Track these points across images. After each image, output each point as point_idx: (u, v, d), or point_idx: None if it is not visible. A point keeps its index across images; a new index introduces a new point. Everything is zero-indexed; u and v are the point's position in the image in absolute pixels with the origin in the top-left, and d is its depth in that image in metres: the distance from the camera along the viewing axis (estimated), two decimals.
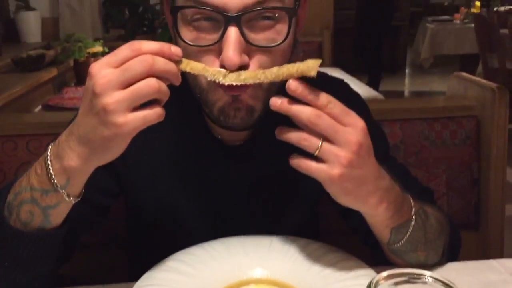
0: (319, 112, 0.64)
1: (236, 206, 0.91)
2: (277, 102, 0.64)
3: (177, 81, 0.64)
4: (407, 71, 7.86)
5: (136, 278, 0.76)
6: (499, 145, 1.29)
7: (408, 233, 0.76)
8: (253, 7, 0.68)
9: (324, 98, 0.64)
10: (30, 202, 0.69)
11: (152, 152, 0.88)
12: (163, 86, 0.62)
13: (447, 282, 0.58)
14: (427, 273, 0.60)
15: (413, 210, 0.76)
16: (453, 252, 0.88)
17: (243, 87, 0.71)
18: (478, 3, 5.78)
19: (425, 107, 1.35)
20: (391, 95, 5.94)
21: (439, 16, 6.55)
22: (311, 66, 0.63)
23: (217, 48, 0.70)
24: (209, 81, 0.71)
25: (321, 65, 0.65)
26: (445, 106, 1.36)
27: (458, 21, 5.75)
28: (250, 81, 0.67)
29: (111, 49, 2.49)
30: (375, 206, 0.71)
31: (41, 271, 0.75)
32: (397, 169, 0.94)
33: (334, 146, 0.64)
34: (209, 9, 0.68)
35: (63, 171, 0.66)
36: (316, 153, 0.65)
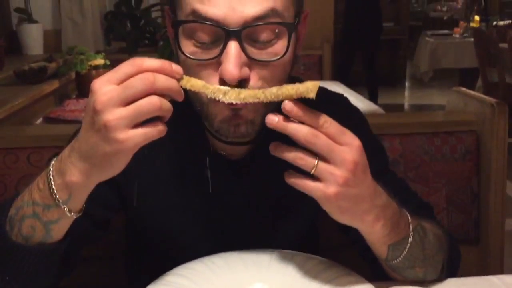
0: (315, 131, 0.64)
1: (236, 221, 0.91)
2: (274, 120, 0.65)
3: (180, 98, 0.64)
4: (406, 84, 7.88)
5: None
6: (499, 160, 1.29)
7: (406, 250, 0.76)
8: (253, 23, 0.69)
9: (320, 118, 0.65)
10: (32, 217, 0.69)
11: (152, 166, 0.88)
12: (165, 104, 0.62)
13: None
14: None
15: (411, 226, 0.77)
16: (452, 267, 0.88)
17: (240, 105, 0.71)
18: (477, 18, 5.81)
19: (425, 121, 1.36)
20: (391, 108, 5.96)
21: (439, 30, 6.58)
22: (310, 88, 0.64)
23: (216, 62, 0.71)
24: (207, 98, 0.72)
25: (321, 78, 0.66)
26: (444, 121, 1.36)
27: (457, 35, 5.78)
28: (250, 100, 0.67)
29: (113, 61, 2.51)
30: (372, 224, 0.71)
31: (42, 284, 0.75)
32: (397, 184, 0.94)
33: (330, 165, 0.65)
34: (210, 24, 0.69)
35: (65, 187, 0.66)
36: (312, 172, 0.66)
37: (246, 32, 0.69)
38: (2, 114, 1.62)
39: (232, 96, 0.68)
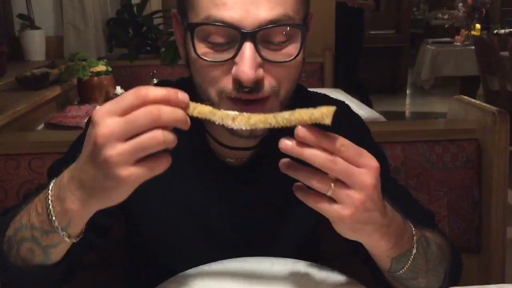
0: (333, 157, 0.61)
1: (237, 227, 0.91)
2: (288, 145, 0.61)
3: (186, 127, 0.60)
4: (408, 91, 7.89)
5: None
6: (500, 168, 1.29)
7: (409, 261, 0.75)
8: (267, 26, 0.70)
9: (336, 142, 0.61)
10: (31, 241, 0.69)
11: None
12: (169, 137, 0.58)
13: None
14: None
15: (415, 238, 0.76)
16: (454, 276, 0.88)
17: (257, 106, 0.73)
18: (478, 26, 5.82)
19: (426, 129, 1.36)
20: (392, 116, 5.96)
21: (440, 38, 6.60)
22: (325, 114, 0.60)
23: (230, 66, 0.72)
24: (219, 97, 0.73)
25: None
26: (446, 129, 1.37)
27: (458, 43, 5.79)
28: (261, 126, 0.64)
29: (115, 68, 2.51)
30: (378, 240, 0.70)
31: None
32: (398, 191, 0.94)
33: (347, 188, 0.63)
34: (226, 26, 0.70)
35: (64, 214, 0.64)
36: (328, 194, 0.63)
37: (261, 34, 0.70)
38: (4, 120, 1.62)
39: (241, 122, 0.64)
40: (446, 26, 6.50)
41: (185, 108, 0.60)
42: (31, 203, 0.70)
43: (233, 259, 0.85)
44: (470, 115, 1.36)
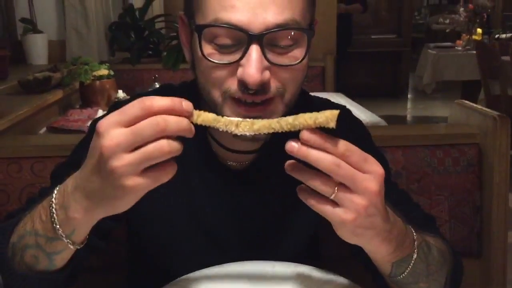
0: (338, 161, 0.61)
1: (239, 230, 0.91)
2: (294, 147, 0.61)
3: (190, 135, 0.61)
4: (409, 96, 7.90)
5: None
6: (501, 173, 1.29)
7: (410, 266, 0.75)
8: (274, 29, 0.71)
9: (342, 146, 0.61)
10: (35, 248, 0.69)
11: None
12: (175, 146, 0.59)
13: None
14: None
15: (415, 243, 0.76)
16: (455, 281, 0.88)
17: (259, 107, 0.73)
18: (479, 30, 5.82)
19: (427, 134, 1.36)
20: (393, 120, 5.96)
21: (441, 42, 6.60)
22: (330, 117, 0.60)
23: (236, 68, 0.72)
24: (223, 97, 0.74)
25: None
26: (447, 133, 1.37)
27: (460, 48, 5.79)
28: (264, 131, 0.64)
29: (117, 72, 2.51)
30: (379, 245, 0.70)
31: None
32: (399, 196, 0.94)
33: (351, 193, 0.63)
34: (233, 28, 0.70)
35: (68, 222, 0.65)
36: (331, 197, 0.63)
37: (268, 38, 0.71)
38: (6, 124, 1.63)
39: (245, 127, 0.64)
40: (447, 30, 6.50)
41: (189, 116, 0.61)
42: (35, 210, 0.71)
43: (235, 262, 0.86)
44: (471, 119, 1.37)
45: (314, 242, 1.05)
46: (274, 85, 0.73)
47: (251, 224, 0.91)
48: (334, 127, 0.60)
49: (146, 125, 0.57)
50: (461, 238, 1.33)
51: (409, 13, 7.84)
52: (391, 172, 1.04)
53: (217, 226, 0.91)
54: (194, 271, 0.84)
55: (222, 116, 0.65)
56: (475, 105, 1.43)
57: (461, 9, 5.96)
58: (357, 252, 0.85)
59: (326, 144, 0.61)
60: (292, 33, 0.73)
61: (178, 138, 0.60)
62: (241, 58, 0.71)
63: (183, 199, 0.90)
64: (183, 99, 0.60)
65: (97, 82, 2.33)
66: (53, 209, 0.66)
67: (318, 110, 0.63)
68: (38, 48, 2.89)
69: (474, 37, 5.74)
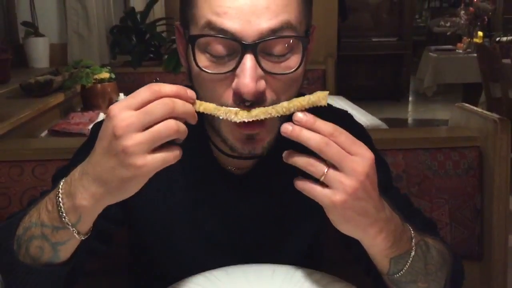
0: (327, 139, 0.65)
1: (239, 235, 0.91)
2: (288, 129, 0.66)
3: (194, 121, 0.66)
4: (410, 98, 7.90)
5: None
6: (502, 176, 1.30)
7: (408, 263, 0.76)
8: (268, 35, 0.70)
9: (330, 127, 0.66)
10: (40, 238, 0.70)
11: (156, 179, 0.89)
12: (182, 127, 0.63)
13: None
14: None
15: (413, 241, 0.77)
16: (456, 284, 0.88)
17: (257, 125, 0.73)
18: (480, 33, 5.82)
19: (428, 137, 1.36)
20: (394, 123, 5.96)
21: (442, 45, 6.61)
22: (321, 96, 0.67)
23: (231, 77, 0.72)
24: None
25: None
26: (447, 136, 1.37)
27: (460, 51, 5.78)
28: (262, 116, 0.69)
29: (118, 75, 2.51)
30: (374, 236, 0.71)
31: None
32: (400, 200, 0.94)
33: (340, 173, 0.65)
34: (226, 37, 0.70)
35: (74, 210, 0.66)
36: (321, 179, 0.66)
37: (261, 46, 0.70)
38: (8, 127, 1.63)
39: (243, 114, 0.69)
40: (448, 33, 6.50)
41: (192, 104, 0.66)
42: (41, 203, 0.72)
43: (235, 266, 0.86)
44: (472, 122, 1.37)
45: (316, 247, 1.05)
46: (269, 96, 0.73)
47: (252, 229, 0.91)
48: (326, 105, 0.67)
49: (156, 105, 0.61)
50: (461, 241, 1.33)
51: (410, 16, 7.85)
52: (392, 175, 1.04)
53: (218, 230, 0.91)
54: (194, 274, 0.84)
55: (222, 106, 0.70)
56: (475, 108, 1.43)
57: (462, 12, 5.96)
58: (358, 256, 0.85)
59: (316, 124, 0.65)
60: (288, 39, 0.72)
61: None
62: (235, 68, 0.70)
63: (184, 204, 0.90)
64: (187, 88, 0.65)
65: (99, 85, 2.34)
66: (60, 198, 0.67)
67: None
68: (40, 51, 2.89)
69: (475, 40, 5.74)
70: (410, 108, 7.53)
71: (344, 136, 0.66)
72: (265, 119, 0.74)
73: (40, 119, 2.01)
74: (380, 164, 0.96)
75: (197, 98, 0.78)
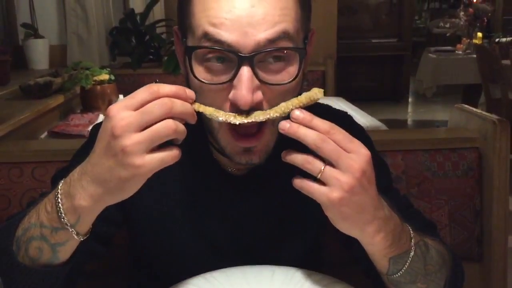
0: (324, 136, 0.66)
1: (240, 236, 0.91)
2: (286, 126, 0.67)
3: (193, 120, 0.66)
4: (410, 99, 7.90)
5: None
6: (501, 177, 1.30)
7: (407, 263, 0.76)
8: (265, 46, 0.70)
9: (327, 125, 0.67)
10: (39, 239, 0.70)
11: (155, 181, 0.88)
12: (180, 127, 0.63)
13: None
14: None
15: (413, 241, 0.77)
16: (455, 286, 0.88)
17: (254, 138, 0.74)
18: (480, 34, 5.83)
19: (427, 138, 1.37)
20: (394, 124, 5.96)
21: (442, 46, 6.61)
22: (317, 91, 0.68)
23: (228, 88, 0.72)
24: (219, 125, 0.75)
25: (324, 95, 0.69)
26: (447, 137, 1.37)
27: (460, 52, 5.79)
28: (261, 118, 0.69)
29: (118, 76, 2.51)
30: (372, 235, 0.71)
31: None
32: (401, 201, 0.94)
33: (336, 170, 0.66)
34: (223, 49, 0.70)
35: (73, 210, 0.66)
36: (318, 176, 0.66)
37: (258, 57, 0.70)
38: (8, 129, 1.63)
39: (242, 116, 0.70)
40: (447, 34, 6.51)
41: (191, 103, 0.66)
42: (40, 204, 0.72)
43: (234, 267, 0.86)
44: (471, 123, 1.37)
45: (315, 248, 1.05)
46: (266, 106, 0.73)
47: (252, 230, 0.91)
48: (322, 97, 0.68)
49: (154, 105, 0.62)
50: (461, 242, 1.33)
51: (409, 17, 7.85)
52: (392, 177, 1.04)
53: (218, 232, 0.91)
54: (194, 276, 0.84)
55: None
56: (474, 109, 1.43)
57: (462, 13, 5.97)
58: (358, 257, 0.85)
59: (313, 122, 0.66)
60: (284, 50, 0.72)
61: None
62: (232, 78, 0.71)
63: (183, 205, 0.90)
64: (186, 87, 0.66)
65: (98, 87, 2.34)
66: (59, 199, 0.67)
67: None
68: (39, 53, 2.89)
69: (474, 41, 5.75)
70: (410, 109, 7.53)
71: (341, 134, 0.67)
72: (263, 129, 0.75)
73: (40, 121, 2.01)
74: (380, 165, 0.96)
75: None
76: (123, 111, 0.62)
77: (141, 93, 0.63)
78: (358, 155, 0.66)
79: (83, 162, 0.67)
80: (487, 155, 1.31)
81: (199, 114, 0.70)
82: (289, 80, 0.73)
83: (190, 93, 0.66)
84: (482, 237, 1.34)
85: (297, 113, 0.66)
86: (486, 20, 6.03)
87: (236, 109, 0.71)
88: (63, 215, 0.67)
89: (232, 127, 0.75)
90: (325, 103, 1.02)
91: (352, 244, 0.79)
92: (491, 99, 4.48)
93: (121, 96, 2.49)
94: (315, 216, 0.76)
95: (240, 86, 0.69)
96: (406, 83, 7.78)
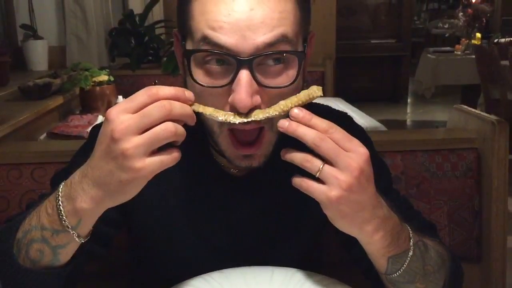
0: (323, 135, 0.66)
1: (240, 237, 0.91)
2: (285, 124, 0.67)
3: (193, 122, 0.67)
4: (409, 100, 7.90)
5: None
6: (500, 178, 1.30)
7: (406, 263, 0.76)
8: (264, 50, 0.70)
9: (326, 123, 0.67)
10: (40, 242, 0.70)
11: (155, 181, 0.89)
12: (180, 129, 0.64)
13: None
14: None
15: (412, 241, 0.77)
16: (454, 287, 0.88)
17: (253, 146, 0.74)
18: (479, 35, 5.84)
19: (426, 139, 1.37)
20: (393, 125, 5.96)
21: (440, 46, 6.62)
22: (317, 88, 0.68)
23: (227, 91, 0.72)
24: (220, 129, 0.75)
25: (323, 95, 0.69)
26: (445, 138, 1.37)
27: (459, 52, 5.80)
28: (260, 116, 0.70)
29: (117, 77, 2.51)
30: (371, 234, 0.71)
31: None
32: (400, 202, 0.94)
33: (335, 169, 0.66)
34: (221, 53, 0.70)
35: (74, 213, 0.67)
36: (317, 175, 0.67)
37: (257, 60, 0.70)
38: (7, 130, 1.63)
39: (242, 115, 0.70)
40: (446, 35, 6.53)
41: (191, 105, 0.67)
42: (40, 206, 0.72)
43: (234, 268, 0.86)
44: (470, 124, 1.37)
45: (315, 249, 1.06)
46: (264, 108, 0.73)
47: (252, 231, 0.91)
48: (322, 95, 0.68)
49: (153, 108, 0.62)
50: (460, 243, 1.33)
51: (408, 17, 7.86)
52: (392, 178, 1.05)
53: (218, 233, 0.91)
54: (194, 276, 0.84)
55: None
56: (473, 110, 1.43)
57: (460, 13, 5.98)
58: (357, 258, 0.85)
59: (312, 120, 0.66)
60: (283, 54, 0.72)
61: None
62: (231, 82, 0.71)
63: (183, 206, 0.90)
64: (185, 89, 0.66)
65: (97, 88, 2.34)
66: (60, 201, 0.67)
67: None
68: (39, 54, 2.89)
69: (473, 41, 5.76)
70: (409, 109, 7.53)
71: (340, 133, 0.67)
72: (262, 136, 0.75)
73: (39, 122, 2.01)
74: (381, 166, 0.96)
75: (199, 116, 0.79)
76: (122, 114, 0.62)
77: (140, 96, 0.63)
78: (356, 154, 0.67)
79: (83, 164, 0.67)
80: (486, 155, 1.31)
81: (199, 115, 0.70)
82: (288, 83, 0.73)
83: (189, 94, 0.66)
84: (481, 238, 1.35)
85: (296, 111, 0.67)
86: (485, 21, 6.04)
87: (235, 111, 0.71)
88: (64, 217, 0.67)
89: (232, 132, 0.75)
90: (325, 104, 1.02)
91: (352, 245, 0.80)
92: (490, 100, 4.49)
93: (120, 97, 2.49)
94: (315, 216, 0.76)
95: (239, 90, 0.69)
96: (405, 83, 7.78)
